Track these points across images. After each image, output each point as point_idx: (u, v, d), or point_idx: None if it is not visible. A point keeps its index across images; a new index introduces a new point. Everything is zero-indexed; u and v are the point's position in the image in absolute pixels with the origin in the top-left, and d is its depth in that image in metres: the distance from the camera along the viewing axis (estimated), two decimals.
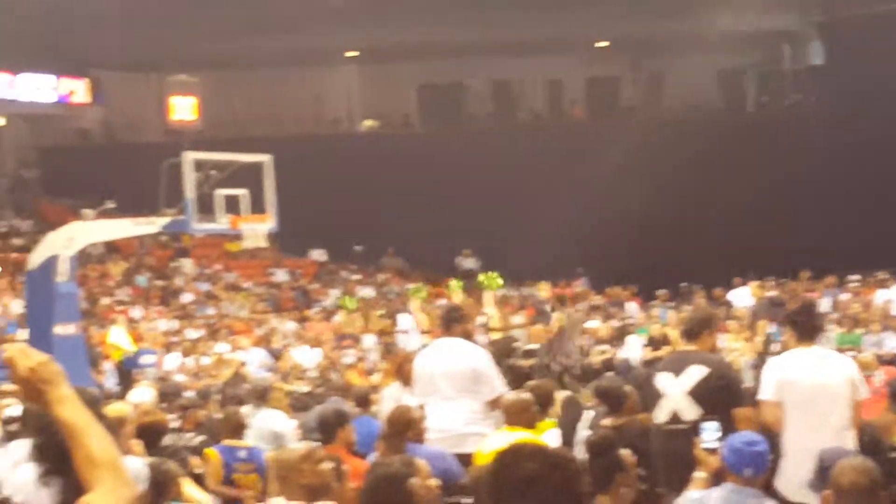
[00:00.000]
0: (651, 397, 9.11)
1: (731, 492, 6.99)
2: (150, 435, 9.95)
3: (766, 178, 35.98)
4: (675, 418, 8.82)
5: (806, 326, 9.10)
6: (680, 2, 37.82)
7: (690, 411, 8.69)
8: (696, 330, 9.27)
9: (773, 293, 31.04)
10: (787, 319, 9.28)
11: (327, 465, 6.75)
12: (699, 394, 8.79)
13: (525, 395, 9.94)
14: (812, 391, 8.73)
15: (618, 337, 28.56)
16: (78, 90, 35.93)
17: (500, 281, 27.26)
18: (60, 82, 35.75)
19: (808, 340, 9.04)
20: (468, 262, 38.00)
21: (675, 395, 8.88)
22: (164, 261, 34.29)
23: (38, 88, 35.29)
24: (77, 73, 36.60)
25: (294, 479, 6.58)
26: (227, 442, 10.82)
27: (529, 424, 9.59)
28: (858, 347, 25.42)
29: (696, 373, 8.88)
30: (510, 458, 3.64)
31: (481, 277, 29.19)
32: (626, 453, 7.30)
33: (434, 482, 7.30)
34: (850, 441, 8.62)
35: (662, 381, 9.01)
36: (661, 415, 8.97)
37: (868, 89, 36.39)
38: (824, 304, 29.51)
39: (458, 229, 36.98)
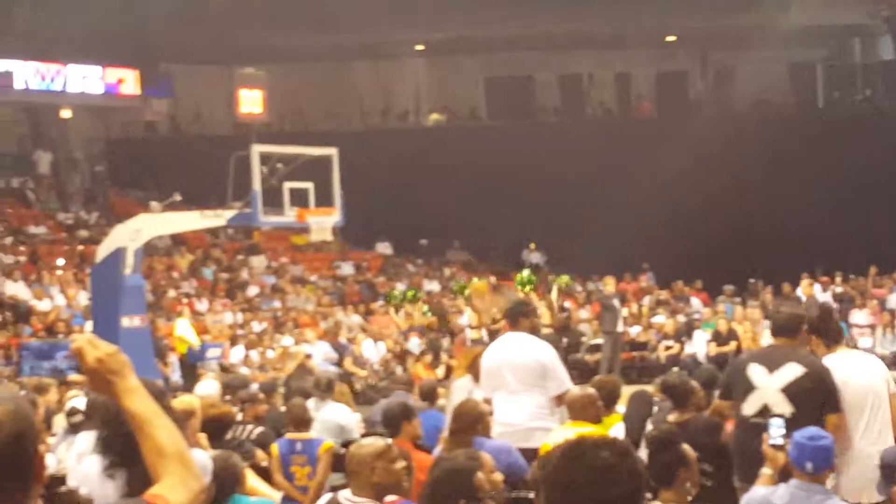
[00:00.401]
0: (741, 388, 8.97)
1: (797, 488, 6.94)
2: (216, 427, 9.94)
3: (835, 173, 35.64)
4: (763, 412, 8.70)
5: (831, 332, 9.20)
6: None
7: (781, 408, 8.57)
8: (792, 326, 9.16)
9: (839, 289, 30.87)
10: (812, 328, 9.20)
11: (401, 464, 6.69)
12: (792, 392, 8.65)
13: (590, 390, 9.90)
14: (862, 392, 8.78)
15: (685, 332, 28.43)
16: (128, 79, 36.05)
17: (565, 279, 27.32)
18: (107, 72, 35.82)
19: (835, 345, 9.11)
20: (534, 257, 37.90)
21: (768, 389, 8.76)
22: (230, 254, 34.42)
23: (87, 78, 35.36)
24: (145, 65, 36.81)
25: (365, 476, 6.54)
26: (289, 435, 10.82)
27: (595, 419, 9.56)
28: None
29: (792, 370, 8.76)
30: (581, 448, 3.60)
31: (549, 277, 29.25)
32: (688, 448, 7.19)
33: (498, 476, 7.26)
34: (891, 438, 8.68)
35: (756, 373, 8.89)
36: (748, 407, 8.85)
37: None
38: (893, 301, 29.29)
39: (525, 223, 36.88)
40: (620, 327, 25.52)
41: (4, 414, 3.12)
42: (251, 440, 11.25)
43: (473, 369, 12.02)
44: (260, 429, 11.76)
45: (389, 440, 7.21)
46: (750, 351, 11.67)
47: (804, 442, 6.99)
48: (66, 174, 37.41)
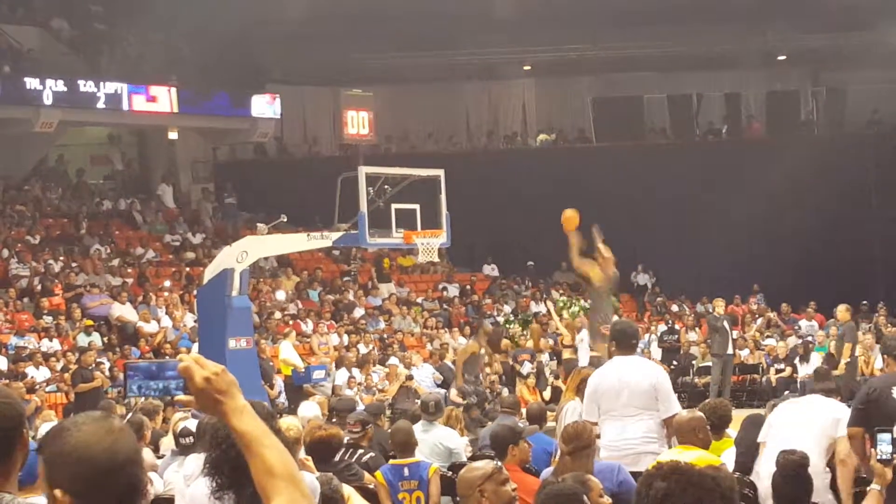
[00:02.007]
0: (887, 412, 8.70)
1: None
2: (325, 449, 9.89)
3: None
4: None
5: None
6: (860, 14, 37.04)
7: None
8: None
9: None
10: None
11: (511, 486, 6.62)
12: None
13: (698, 414, 9.72)
14: None
15: (797, 355, 28.00)
16: (235, 101, 36.27)
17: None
18: (215, 94, 36.06)
19: None
20: (643, 278, 37.56)
21: None
22: (335, 275, 34.47)
23: (194, 100, 35.57)
24: (253, 86, 37.06)
25: (475, 499, 6.49)
26: (393, 461, 10.67)
27: (703, 444, 9.35)
28: None
29: None
30: (648, 477, 3.57)
31: (560, 304, 29.09)
32: None
33: (607, 500, 7.13)
34: None
35: None
36: None
37: None
38: None
39: (634, 244, 36.56)
40: (730, 350, 25.21)
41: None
42: (360, 463, 11.14)
43: (581, 391, 11.85)
44: (371, 454, 11.65)
45: (499, 462, 7.11)
46: (883, 376, 11.31)
47: None
48: (175, 195, 37.71)
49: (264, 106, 36.43)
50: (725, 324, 25.14)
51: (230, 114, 36.37)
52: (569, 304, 29.53)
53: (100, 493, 3.29)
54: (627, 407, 10.48)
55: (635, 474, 9.24)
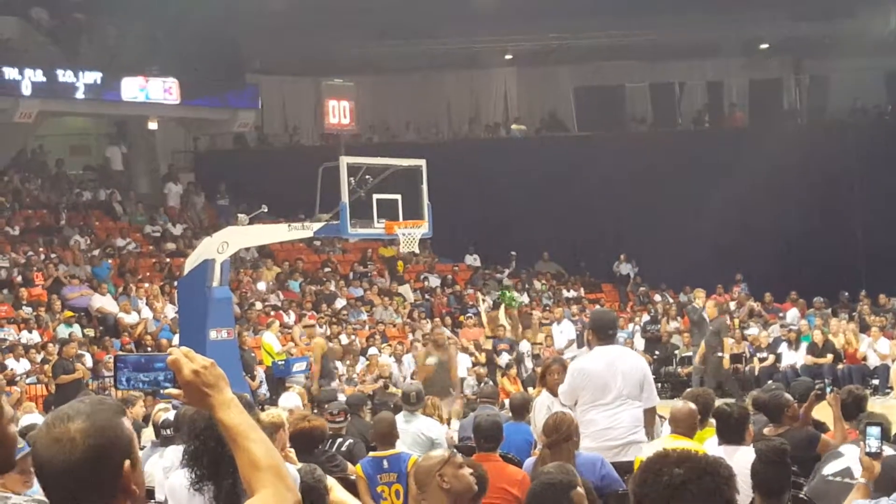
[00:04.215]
0: None
1: None
2: (308, 440, 9.91)
3: None
4: None
5: None
6: (842, 2, 37.04)
7: None
8: None
9: None
10: None
11: (467, 471, 6.69)
12: None
13: (692, 406, 9.71)
14: None
15: (779, 344, 28.07)
16: (215, 91, 36.14)
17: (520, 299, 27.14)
18: (194, 84, 35.86)
19: None
20: (625, 268, 37.54)
21: None
22: (316, 265, 34.38)
23: (175, 90, 35.33)
24: (233, 77, 36.96)
25: (437, 484, 6.54)
26: (373, 453, 10.59)
27: (692, 433, 9.44)
28: None
29: None
30: (657, 464, 3.61)
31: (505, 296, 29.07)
32: None
33: (580, 491, 7.19)
34: None
35: None
36: None
37: None
38: None
39: (616, 234, 36.58)
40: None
41: (77, 431, 3.22)
42: (341, 452, 11.10)
43: (546, 383, 11.85)
44: (350, 440, 11.64)
45: (454, 450, 7.19)
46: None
47: None
48: (155, 186, 37.60)
49: (245, 96, 36.33)
50: (705, 314, 25.06)
51: (210, 104, 36.25)
52: (511, 298, 29.40)
53: None
54: (617, 396, 10.42)
55: (622, 464, 9.25)
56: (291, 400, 15.88)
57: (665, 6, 36.67)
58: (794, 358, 27.23)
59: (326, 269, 33.91)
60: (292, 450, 9.03)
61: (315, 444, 10.18)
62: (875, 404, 15.48)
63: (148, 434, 13.14)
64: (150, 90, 34.27)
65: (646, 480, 3.60)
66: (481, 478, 7.24)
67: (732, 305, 31.73)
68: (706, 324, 24.94)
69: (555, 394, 11.48)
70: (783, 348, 27.89)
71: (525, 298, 33.13)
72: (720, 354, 24.31)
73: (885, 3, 37.19)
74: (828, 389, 7.77)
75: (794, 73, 41.83)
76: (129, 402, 13.64)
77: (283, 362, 24.60)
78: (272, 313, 28.91)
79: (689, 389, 13.58)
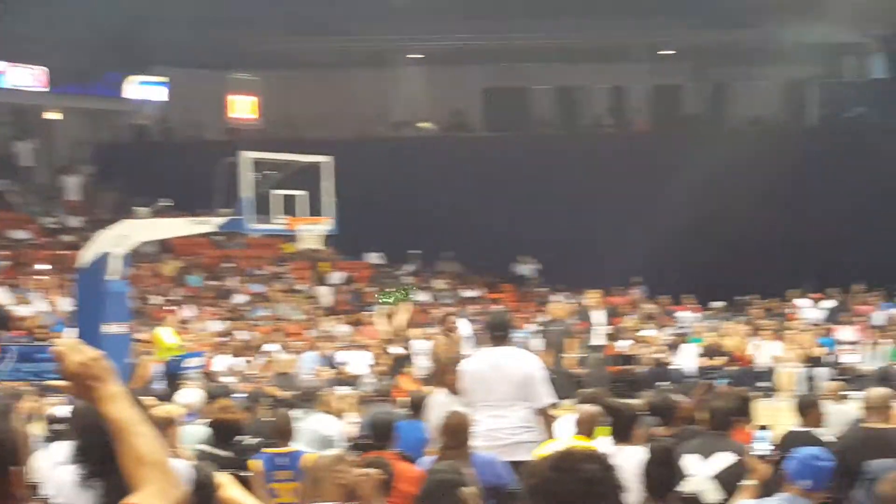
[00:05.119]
0: None
1: (789, 501, 6.98)
2: (227, 431, 10.04)
3: (827, 190, 35.66)
4: None
5: None
6: (744, 12, 37.51)
7: None
8: None
9: (830, 304, 31.02)
10: None
11: (358, 469, 6.93)
12: None
13: (596, 408, 9.86)
14: None
15: (674, 346, 28.38)
16: (119, 82, 35.73)
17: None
18: (97, 74, 35.43)
19: None
20: (525, 269, 37.75)
21: None
22: (217, 261, 34.19)
23: (77, 80, 34.94)
24: (137, 68, 36.64)
25: (331, 481, 6.73)
26: (270, 450, 10.60)
27: (591, 434, 9.56)
28: None
29: None
30: (570, 460, 3.69)
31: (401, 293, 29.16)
32: None
33: (473, 489, 7.28)
34: None
35: None
36: None
37: None
38: (877, 318, 29.40)
39: (518, 235, 36.74)
40: (599, 341, 25.20)
41: None
42: (253, 449, 11.12)
43: (443, 382, 11.92)
44: (258, 440, 11.61)
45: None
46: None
47: (808, 460, 7.03)
48: (53, 177, 37.17)
49: (149, 88, 36.04)
50: (594, 315, 25.16)
51: (113, 95, 35.91)
52: (403, 295, 29.44)
53: None
54: (503, 397, 10.56)
55: (511, 464, 9.34)
56: (190, 396, 15.78)
57: (572, 10, 36.91)
58: (685, 360, 27.57)
59: (227, 265, 33.75)
60: (185, 447, 9.04)
61: (233, 434, 10.24)
62: (762, 406, 15.74)
63: (35, 429, 13.02)
64: (51, 80, 33.89)
65: (559, 477, 3.66)
66: (387, 475, 7.36)
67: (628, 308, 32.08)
68: (594, 324, 25.06)
69: (451, 392, 11.58)
70: (676, 350, 28.21)
71: (426, 297, 33.19)
72: (563, 356, 24.48)
73: (786, 15, 37.71)
74: (720, 382, 7.94)
75: (695, 80, 42.31)
76: (17, 396, 13.50)
77: (177, 357, 24.42)
78: (171, 308, 28.73)
79: (581, 390, 13.70)
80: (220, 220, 21.73)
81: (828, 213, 35.80)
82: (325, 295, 32.97)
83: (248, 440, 11.24)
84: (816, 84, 41.70)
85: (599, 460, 3.71)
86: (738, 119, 40.58)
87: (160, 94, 36.63)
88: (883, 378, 18.35)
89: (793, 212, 35.38)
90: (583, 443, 9.01)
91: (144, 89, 36.14)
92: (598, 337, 24.99)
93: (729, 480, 8.42)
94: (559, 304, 25.54)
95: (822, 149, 36.32)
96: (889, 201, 34.60)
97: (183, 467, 6.75)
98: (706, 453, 8.73)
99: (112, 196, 36.40)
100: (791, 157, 35.50)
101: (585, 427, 9.56)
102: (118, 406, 3.43)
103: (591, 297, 26.13)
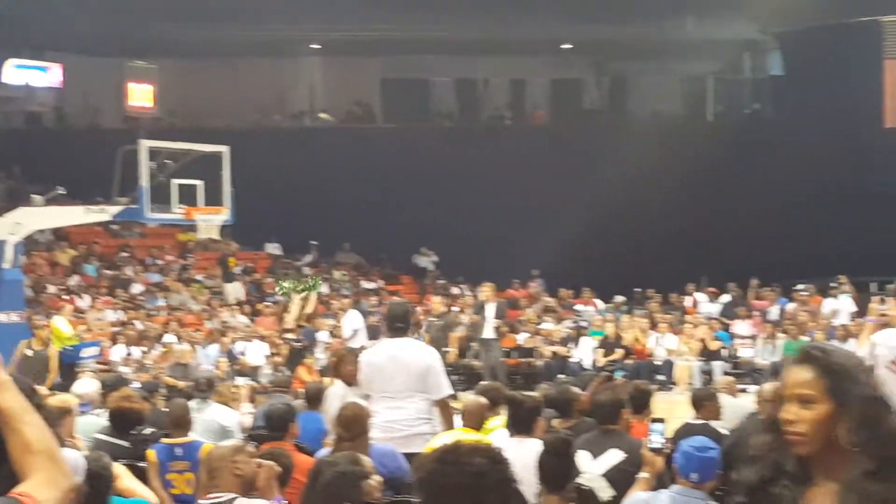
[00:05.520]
0: None
1: (679, 493, 6.99)
2: (127, 420, 10.02)
3: (723, 185, 36.07)
4: None
5: None
6: (644, 7, 37.80)
7: None
8: None
9: (727, 298, 31.41)
10: None
11: (256, 461, 6.88)
12: None
13: (483, 400, 9.90)
14: None
15: (572, 339, 28.54)
16: (12, 67, 35.15)
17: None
18: None
19: None
20: (425, 261, 37.79)
21: None
22: (113, 250, 33.84)
23: None
24: (31, 54, 36.09)
25: (228, 471, 6.67)
26: (167, 440, 10.52)
27: (480, 426, 9.69)
28: None
29: None
30: (456, 453, 3.74)
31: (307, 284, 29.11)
32: None
33: (377, 479, 7.28)
34: None
35: None
36: None
37: (823, 100, 36.61)
38: (773, 313, 29.81)
39: (418, 227, 36.74)
40: (489, 334, 25.26)
41: None
42: (139, 438, 11.03)
43: (340, 374, 11.94)
44: (153, 430, 11.52)
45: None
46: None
47: (692, 452, 7.05)
48: None
49: (43, 74, 35.54)
50: (485, 308, 25.25)
51: (6, 80, 35.36)
52: (311, 285, 29.29)
53: None
54: (400, 388, 10.60)
55: (408, 455, 9.36)
56: (86, 386, 15.60)
57: (473, 3, 36.94)
58: (583, 353, 27.77)
59: (123, 254, 33.42)
60: (79, 437, 8.95)
61: (133, 424, 10.23)
62: (660, 399, 15.87)
63: None
64: None
65: (444, 470, 3.70)
66: (286, 466, 7.37)
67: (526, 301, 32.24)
68: (485, 317, 25.15)
69: (348, 384, 11.59)
70: (575, 343, 28.39)
71: (325, 289, 33.08)
72: (446, 350, 24.59)
73: (683, 10, 38.16)
74: (617, 374, 8.00)
75: (594, 75, 42.61)
76: None
77: (72, 347, 24.15)
78: (66, 297, 28.39)
79: (481, 383, 13.76)
80: (117, 209, 21.56)
81: (726, 209, 36.25)
82: (235, 290, 32.71)
83: (145, 430, 11.17)
84: (714, 80, 42.18)
85: (486, 453, 3.75)
86: (638, 114, 40.90)
87: (45, 79, 35.99)
88: (777, 372, 18.54)
89: (692, 207, 35.71)
90: (471, 435, 9.09)
91: (39, 76, 35.56)
92: (489, 330, 25.08)
93: (618, 478, 8.45)
94: (438, 300, 25.60)
95: (720, 145, 36.69)
96: (785, 198, 35.05)
97: (74, 457, 6.69)
98: (595, 451, 8.78)
99: (5, 184, 35.85)
100: (690, 152, 35.83)
101: (473, 419, 9.60)
102: (4, 395, 3.40)
103: (485, 290, 26.18)
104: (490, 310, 25.09)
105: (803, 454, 3.59)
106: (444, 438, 8.94)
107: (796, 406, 3.59)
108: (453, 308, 30.04)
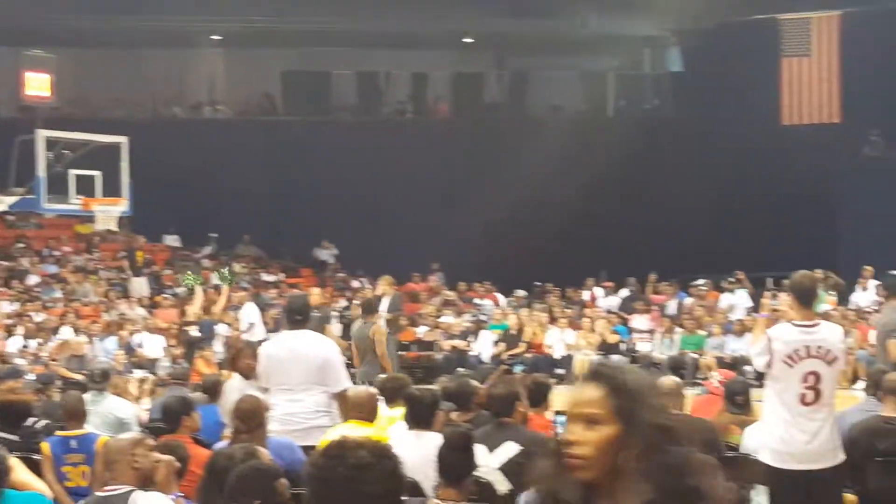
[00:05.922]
0: None
1: None
2: (14, 413, 9.88)
3: (622, 181, 36.35)
4: None
5: None
6: (547, 3, 38.02)
7: None
8: None
9: (625, 293, 31.67)
10: None
11: (156, 454, 6.88)
12: None
13: (372, 390, 9.96)
14: None
15: (472, 332, 28.63)
16: None
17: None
18: None
19: None
20: (325, 254, 37.71)
21: None
22: (9, 241, 33.40)
23: None
24: None
25: (126, 463, 6.66)
26: (61, 433, 10.42)
27: (372, 418, 9.62)
28: (701, 350, 26.07)
29: None
30: (340, 448, 3.78)
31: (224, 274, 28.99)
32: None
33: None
34: None
35: None
36: None
37: (722, 97, 37.06)
38: (671, 307, 30.12)
39: (318, 220, 36.67)
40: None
41: None
42: (43, 432, 10.91)
43: (238, 367, 11.92)
44: (45, 421, 11.41)
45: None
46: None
47: None
48: None
49: None
50: (380, 302, 25.22)
51: None
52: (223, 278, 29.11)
53: None
54: (299, 381, 10.64)
55: (306, 448, 9.36)
56: None
57: None
58: (482, 346, 27.90)
59: (20, 245, 33.00)
60: None
61: (21, 417, 10.14)
62: (560, 393, 16.00)
63: None
64: None
65: (328, 464, 3.74)
66: (182, 459, 7.35)
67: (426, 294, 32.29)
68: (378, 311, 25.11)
69: (246, 377, 11.56)
70: (475, 337, 28.49)
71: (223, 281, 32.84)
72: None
73: (582, 6, 38.43)
74: (517, 368, 8.05)
75: (496, 69, 42.78)
76: None
77: None
78: None
79: (380, 376, 13.79)
80: (13, 199, 21.31)
81: (625, 204, 36.58)
82: (140, 285, 32.37)
83: (38, 423, 11.06)
84: (614, 76, 42.50)
85: (371, 447, 3.77)
86: (539, 108, 41.13)
87: None
88: (675, 366, 18.76)
89: (592, 201, 35.94)
90: (362, 428, 9.16)
91: None
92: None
93: (514, 471, 8.47)
94: (315, 291, 25.54)
95: (620, 140, 36.95)
96: (683, 193, 35.42)
97: None
98: (491, 444, 8.82)
99: None
100: (590, 147, 36.11)
101: (365, 411, 9.60)
102: None
103: (382, 284, 26.17)
104: (384, 303, 25.08)
105: (584, 480, 3.37)
106: (341, 432, 8.97)
107: (581, 426, 3.40)
108: (354, 301, 30.03)
